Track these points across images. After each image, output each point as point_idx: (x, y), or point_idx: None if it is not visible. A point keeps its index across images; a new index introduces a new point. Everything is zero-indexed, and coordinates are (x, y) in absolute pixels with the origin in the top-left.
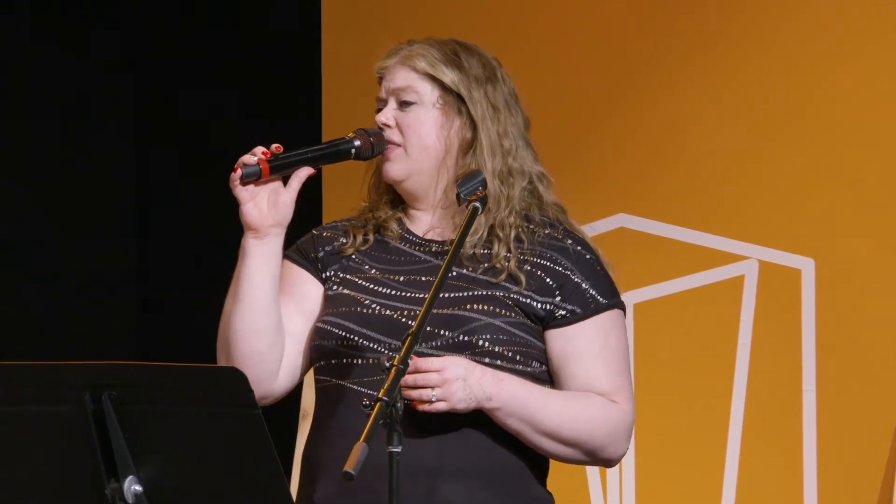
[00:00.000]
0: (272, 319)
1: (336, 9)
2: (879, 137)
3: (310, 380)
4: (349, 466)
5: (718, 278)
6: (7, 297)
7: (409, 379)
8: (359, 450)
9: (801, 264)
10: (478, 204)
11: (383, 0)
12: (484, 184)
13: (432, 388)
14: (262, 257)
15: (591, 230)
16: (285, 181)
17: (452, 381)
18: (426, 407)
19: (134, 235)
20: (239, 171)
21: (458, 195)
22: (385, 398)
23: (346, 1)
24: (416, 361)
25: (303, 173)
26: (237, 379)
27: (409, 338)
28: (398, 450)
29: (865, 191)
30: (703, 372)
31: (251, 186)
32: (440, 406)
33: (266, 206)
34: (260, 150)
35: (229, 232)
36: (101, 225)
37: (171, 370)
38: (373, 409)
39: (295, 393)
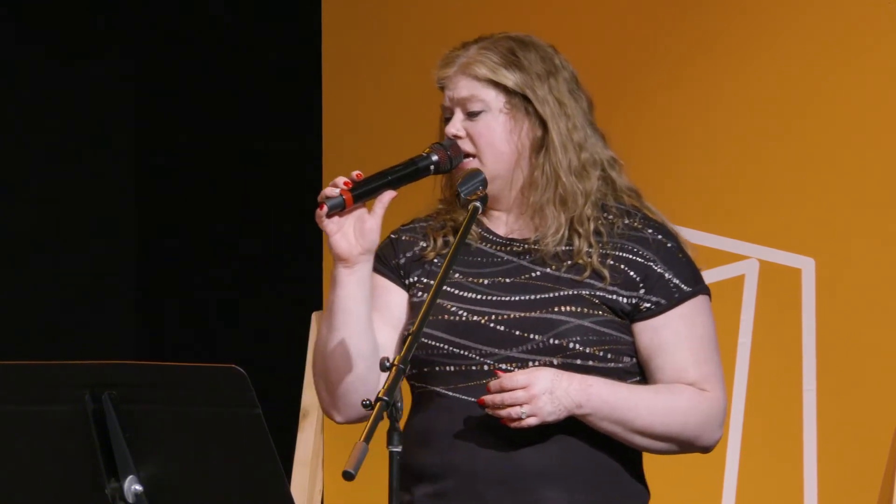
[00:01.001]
0: (369, 343)
1: (336, 9)
2: (880, 137)
3: (309, 381)
4: (349, 466)
5: (719, 278)
6: (7, 296)
7: (496, 398)
8: (358, 449)
9: (802, 264)
10: (478, 204)
11: (384, 1)
12: (484, 183)
13: (521, 404)
14: (354, 284)
15: None
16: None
17: (540, 395)
18: (517, 424)
19: (134, 235)
20: (325, 208)
21: (458, 195)
22: (385, 398)
23: (346, 2)
24: (501, 380)
25: (386, 198)
26: (237, 378)
27: (410, 337)
28: (398, 449)
29: (866, 190)
30: None
31: (336, 218)
32: (531, 422)
33: (353, 235)
34: (341, 180)
35: (230, 231)
36: (101, 225)
37: (171, 370)
38: (373, 408)
39: (295, 393)
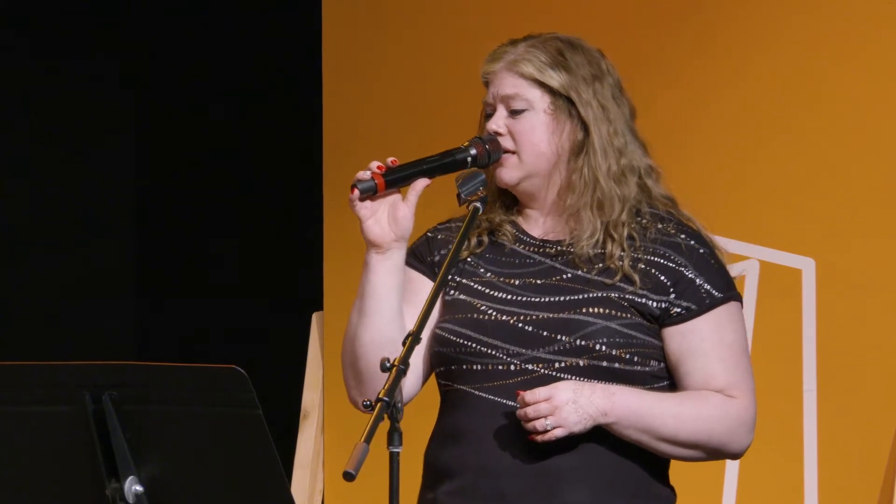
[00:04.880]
0: (398, 331)
1: (337, 10)
2: (880, 137)
3: (310, 381)
4: (350, 467)
5: None
6: (7, 296)
7: (520, 414)
8: (358, 450)
9: (802, 264)
10: (478, 204)
11: (384, 1)
12: (484, 183)
13: (546, 417)
14: (385, 271)
15: None
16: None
17: (563, 406)
18: (544, 437)
19: (134, 235)
20: (356, 191)
21: (458, 195)
22: (385, 398)
23: (346, 2)
24: (523, 396)
25: (419, 185)
26: (238, 379)
27: (410, 338)
28: (398, 450)
29: (866, 191)
30: None
31: (369, 203)
32: (558, 433)
33: (386, 221)
34: (375, 164)
35: (230, 231)
36: (101, 224)
37: (171, 370)
38: (373, 408)
39: (296, 394)
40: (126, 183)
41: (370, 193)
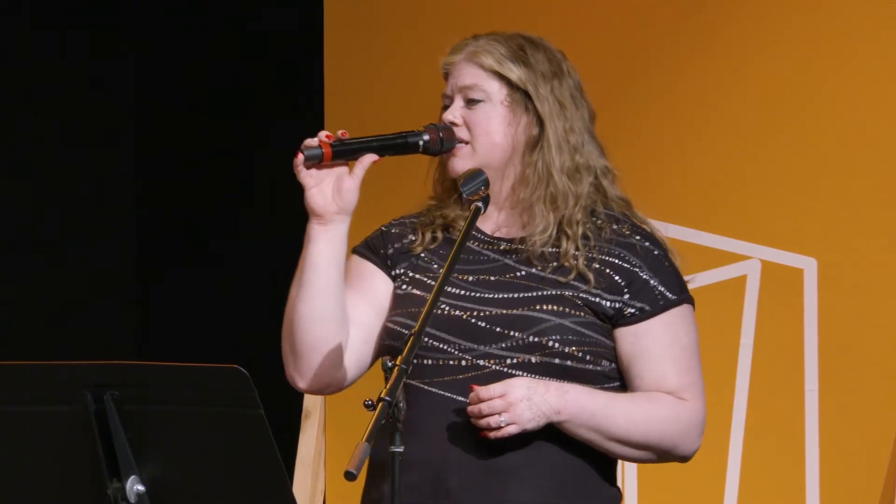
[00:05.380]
0: (337, 306)
1: (338, 9)
2: (881, 137)
3: None
4: (351, 466)
5: (721, 278)
6: (8, 296)
7: (474, 410)
8: (360, 449)
9: (804, 264)
10: (479, 204)
11: (386, 1)
12: (486, 183)
13: (499, 413)
14: (326, 242)
15: None
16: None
17: (517, 402)
18: (497, 434)
19: (134, 235)
20: (301, 156)
21: (460, 195)
22: (387, 398)
23: (348, 1)
24: (477, 392)
25: (366, 160)
26: (239, 379)
27: (412, 337)
28: (400, 449)
29: (868, 190)
30: (706, 372)
31: (315, 171)
32: (511, 430)
33: (330, 192)
34: (323, 133)
35: (230, 231)
36: (101, 224)
37: (173, 370)
38: (375, 408)
39: (297, 393)
40: (126, 183)
41: (315, 161)
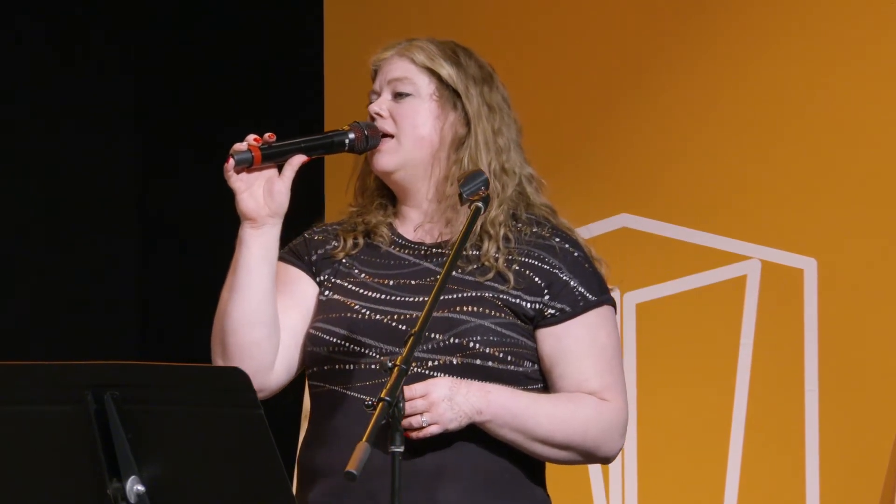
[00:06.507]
0: (269, 310)
1: (338, 9)
2: (881, 137)
3: None
4: (352, 466)
5: (721, 278)
6: (8, 296)
7: None
8: (361, 450)
9: (804, 264)
10: (480, 204)
11: (386, 1)
12: (486, 184)
13: (421, 413)
14: (258, 247)
15: (592, 231)
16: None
17: (439, 402)
18: (419, 434)
19: (134, 235)
20: (231, 161)
21: (460, 195)
22: (387, 398)
23: (348, 1)
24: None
25: (295, 161)
26: (239, 379)
27: (412, 338)
28: (401, 450)
29: (868, 190)
30: (706, 372)
31: (245, 175)
32: (433, 430)
33: (262, 195)
34: (251, 137)
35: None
36: (101, 224)
37: (173, 370)
38: (375, 409)
39: (298, 392)
40: (127, 182)
41: (246, 165)
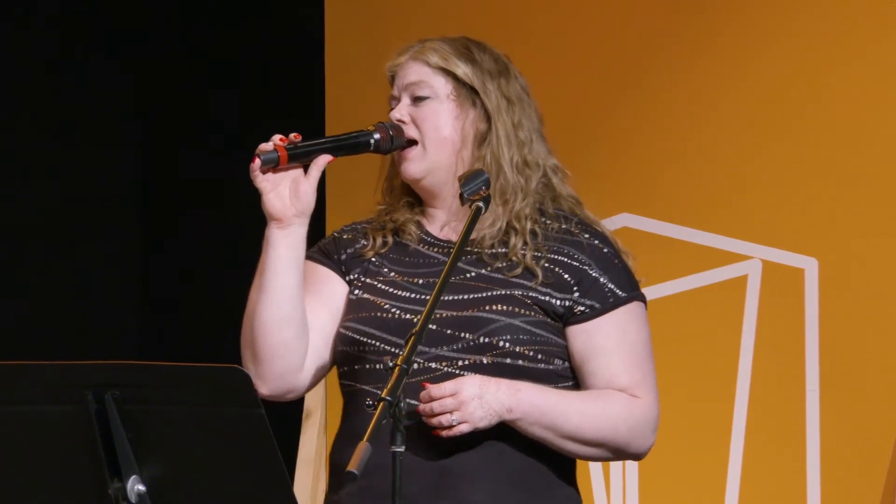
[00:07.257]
0: (297, 310)
1: (338, 9)
2: (882, 137)
3: None
4: (353, 466)
5: (721, 278)
6: (8, 296)
7: (426, 408)
8: (362, 449)
9: (805, 264)
10: (481, 203)
11: (387, 1)
12: (487, 183)
13: (451, 412)
14: (286, 247)
15: None
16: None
17: (469, 401)
18: (450, 432)
19: (135, 235)
20: (258, 161)
21: (461, 195)
22: (388, 398)
23: (348, 1)
24: (429, 390)
25: (321, 161)
26: (240, 378)
27: (413, 337)
28: (401, 449)
29: (869, 190)
30: (707, 372)
31: (271, 175)
32: (463, 428)
33: (288, 195)
34: (277, 137)
35: (230, 230)
36: (102, 224)
37: (173, 370)
38: (376, 408)
39: None
40: (127, 182)
41: (272, 165)
